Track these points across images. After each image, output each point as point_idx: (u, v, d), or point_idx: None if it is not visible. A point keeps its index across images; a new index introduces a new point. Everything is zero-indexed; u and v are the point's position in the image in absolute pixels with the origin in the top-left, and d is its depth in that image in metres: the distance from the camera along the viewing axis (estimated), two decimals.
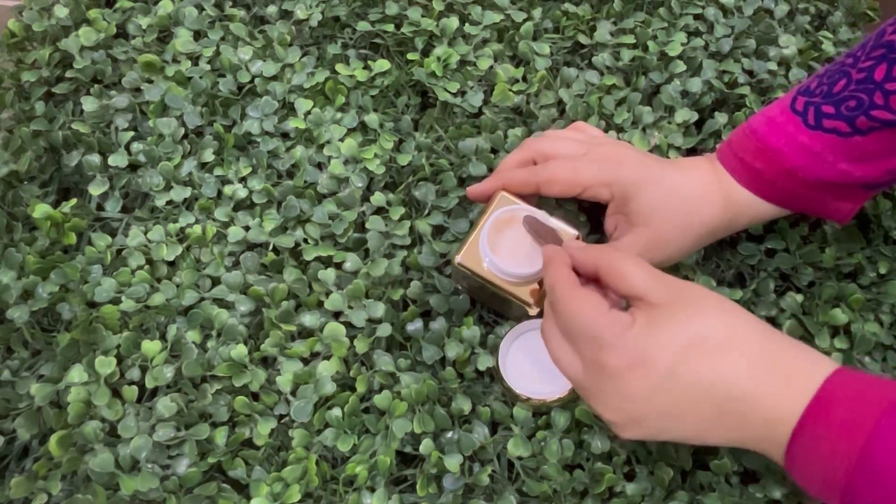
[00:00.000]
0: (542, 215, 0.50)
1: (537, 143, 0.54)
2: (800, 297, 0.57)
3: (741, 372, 0.39)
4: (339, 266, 0.56)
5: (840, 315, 0.55)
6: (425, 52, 0.64)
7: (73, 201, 0.57)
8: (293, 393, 0.52)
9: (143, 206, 0.59)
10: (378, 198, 0.58)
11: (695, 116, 0.61)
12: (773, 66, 0.65)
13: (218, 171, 0.59)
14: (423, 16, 0.65)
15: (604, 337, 0.40)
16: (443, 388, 0.53)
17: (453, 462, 0.50)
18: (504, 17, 0.65)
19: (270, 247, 0.57)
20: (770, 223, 0.59)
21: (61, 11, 0.64)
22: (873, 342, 0.55)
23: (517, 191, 0.52)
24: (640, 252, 0.51)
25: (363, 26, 0.64)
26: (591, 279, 0.45)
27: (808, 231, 0.60)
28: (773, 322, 0.57)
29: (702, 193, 0.52)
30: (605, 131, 0.61)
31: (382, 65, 0.63)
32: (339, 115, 0.61)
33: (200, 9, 0.65)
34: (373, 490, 0.50)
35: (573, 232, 0.51)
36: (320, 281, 0.55)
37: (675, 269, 0.57)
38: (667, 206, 0.51)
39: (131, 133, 0.60)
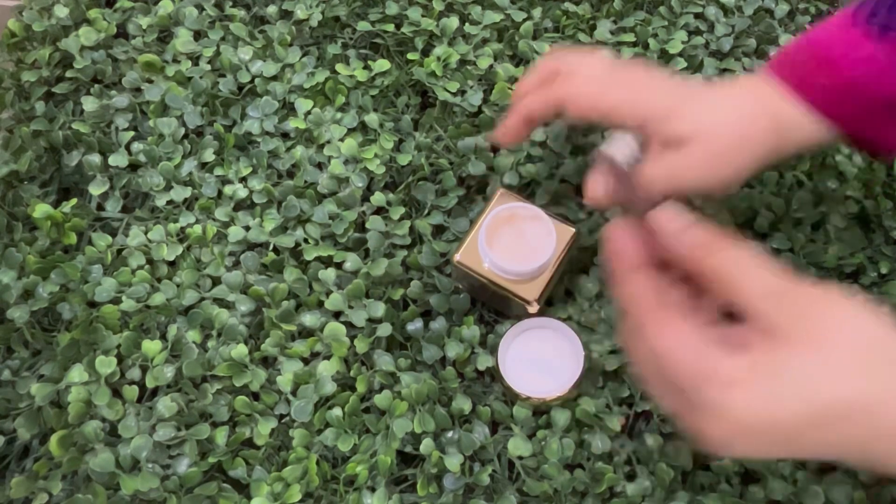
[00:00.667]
0: (538, 212, 0.50)
1: (553, 61, 0.47)
2: None
3: (881, 436, 0.30)
4: (339, 266, 0.56)
5: None
6: (425, 52, 0.64)
7: (74, 201, 0.57)
8: (293, 393, 0.52)
9: (144, 205, 0.59)
10: (378, 198, 0.58)
11: None
12: None
13: (218, 171, 0.59)
14: (423, 16, 0.65)
15: (703, 396, 0.30)
16: (443, 388, 0.53)
17: (454, 462, 0.50)
18: (504, 17, 0.65)
19: (271, 247, 0.57)
20: (774, 221, 0.59)
21: (61, 11, 0.64)
22: None
23: (540, 115, 0.47)
24: (697, 176, 0.43)
25: (363, 26, 0.64)
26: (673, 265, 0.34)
27: (810, 231, 0.60)
28: None
29: (751, 107, 0.45)
30: None
31: (382, 65, 0.63)
32: (339, 115, 0.61)
33: (200, 9, 0.65)
34: (373, 490, 0.50)
35: (572, 230, 0.51)
36: (320, 281, 0.55)
37: None
38: (716, 118, 0.44)
39: (131, 133, 0.60)
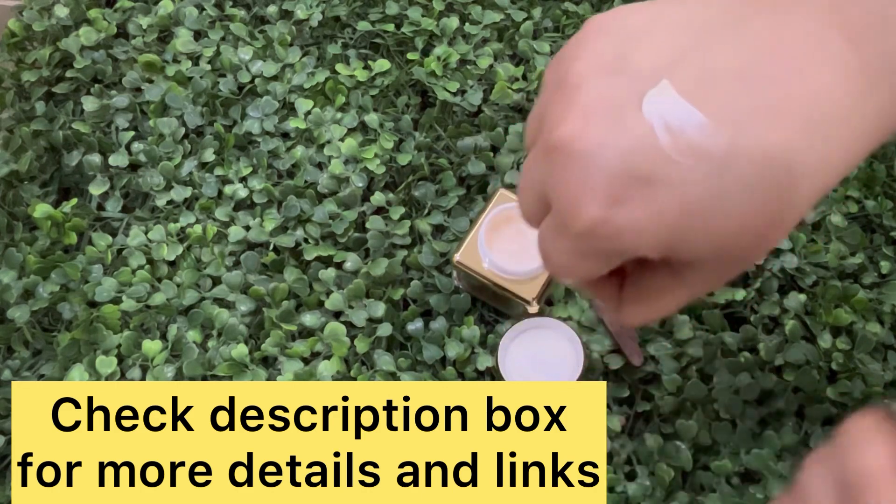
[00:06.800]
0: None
1: None
2: (803, 297, 0.57)
3: None
4: (339, 266, 0.56)
5: (844, 315, 0.55)
6: (425, 52, 0.64)
7: (74, 201, 0.57)
8: None
9: (144, 205, 0.59)
10: (378, 197, 0.58)
11: None
12: None
13: (218, 171, 0.59)
14: (423, 15, 0.65)
15: None
16: None
17: None
18: (504, 17, 0.65)
19: (271, 246, 0.57)
20: None
21: (61, 11, 0.64)
22: (874, 342, 0.55)
23: None
24: None
25: (363, 26, 0.64)
26: None
27: (811, 231, 0.60)
28: (776, 322, 0.57)
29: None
30: None
31: (382, 65, 0.63)
32: (339, 115, 0.61)
33: (201, 9, 0.65)
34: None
35: None
36: (321, 280, 0.55)
37: None
38: None
39: (132, 133, 0.60)
